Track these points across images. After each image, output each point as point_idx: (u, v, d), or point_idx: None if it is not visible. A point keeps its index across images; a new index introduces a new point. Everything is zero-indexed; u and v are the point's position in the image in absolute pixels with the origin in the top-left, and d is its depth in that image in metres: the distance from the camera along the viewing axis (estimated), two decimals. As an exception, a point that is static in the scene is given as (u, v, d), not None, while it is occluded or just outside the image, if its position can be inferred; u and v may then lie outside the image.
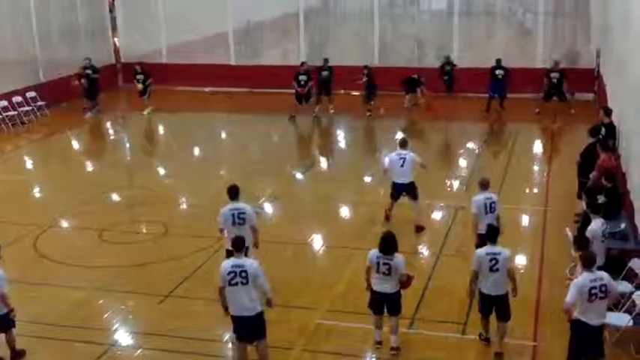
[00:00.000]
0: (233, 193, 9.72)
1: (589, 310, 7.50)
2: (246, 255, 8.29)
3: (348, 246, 11.88)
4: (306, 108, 20.60)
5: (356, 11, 25.05)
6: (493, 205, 10.05)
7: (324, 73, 21.11)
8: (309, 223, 13.22)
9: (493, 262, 8.26)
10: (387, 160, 12.41)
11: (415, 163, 12.28)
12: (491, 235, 8.44)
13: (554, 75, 19.97)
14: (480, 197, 10.15)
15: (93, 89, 21.64)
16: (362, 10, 24.40)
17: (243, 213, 9.58)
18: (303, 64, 21.08)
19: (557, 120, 19.62)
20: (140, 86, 21.36)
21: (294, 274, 10.94)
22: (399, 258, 8.41)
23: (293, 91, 20.56)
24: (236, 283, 7.85)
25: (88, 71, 21.48)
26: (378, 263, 8.39)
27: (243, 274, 7.83)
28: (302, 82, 20.47)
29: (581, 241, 8.35)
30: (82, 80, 21.40)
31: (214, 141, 19.89)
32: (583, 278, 7.49)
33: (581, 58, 22.17)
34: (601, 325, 7.69)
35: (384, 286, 8.44)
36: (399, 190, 12.33)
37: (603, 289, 7.46)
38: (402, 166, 12.08)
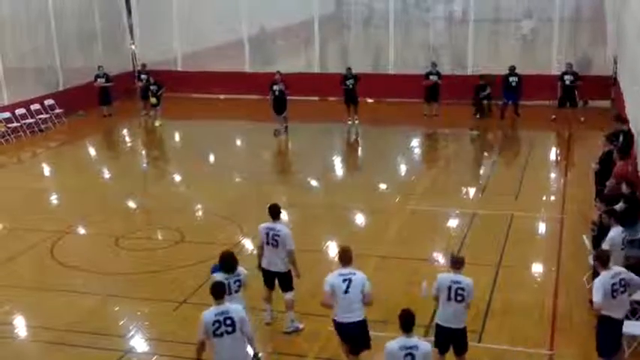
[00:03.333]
0: (273, 212, 9.20)
1: (614, 305, 7.65)
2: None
3: (362, 253, 11.81)
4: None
5: (371, 18, 25.07)
6: (460, 291, 7.51)
7: (349, 82, 20.26)
8: (322, 230, 13.19)
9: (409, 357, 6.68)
10: (327, 283, 7.85)
11: (366, 291, 7.76)
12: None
13: (567, 77, 19.85)
14: (444, 277, 7.63)
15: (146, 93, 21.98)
16: (377, 17, 24.40)
17: (278, 235, 9.05)
18: (277, 72, 19.88)
19: (572, 127, 19.46)
20: (154, 100, 21.25)
21: (308, 280, 10.87)
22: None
23: (306, 98, 20.33)
24: (221, 334, 7.00)
25: (143, 76, 22.24)
26: (229, 284, 7.80)
27: (228, 322, 7.01)
28: (276, 93, 19.45)
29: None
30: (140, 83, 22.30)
31: (229, 148, 19.91)
32: (603, 277, 7.63)
33: (594, 65, 21.99)
34: (624, 317, 7.91)
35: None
36: (347, 335, 7.90)
37: (623, 282, 7.65)
38: (346, 291, 7.71)
